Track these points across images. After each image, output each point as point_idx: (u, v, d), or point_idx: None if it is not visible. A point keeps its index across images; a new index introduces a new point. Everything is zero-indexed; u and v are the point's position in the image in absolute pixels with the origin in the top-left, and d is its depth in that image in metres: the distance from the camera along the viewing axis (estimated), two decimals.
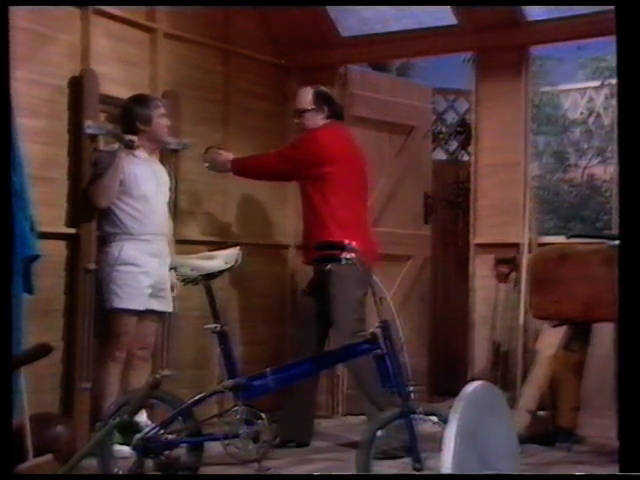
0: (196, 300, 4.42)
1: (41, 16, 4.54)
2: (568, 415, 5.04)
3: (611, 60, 9.71)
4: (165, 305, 4.82)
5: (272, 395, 4.18)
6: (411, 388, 3.74)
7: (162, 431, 3.85)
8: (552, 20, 5.65)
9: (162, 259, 4.74)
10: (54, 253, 4.55)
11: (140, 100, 4.83)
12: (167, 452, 3.85)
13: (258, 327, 5.98)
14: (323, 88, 5.22)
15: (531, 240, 5.62)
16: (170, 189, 4.99)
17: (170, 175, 5.04)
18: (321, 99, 5.13)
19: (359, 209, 5.12)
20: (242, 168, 5.30)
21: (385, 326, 3.79)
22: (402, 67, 9.58)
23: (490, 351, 5.68)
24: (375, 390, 4.17)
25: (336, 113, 5.19)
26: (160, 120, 4.82)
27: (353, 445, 4.17)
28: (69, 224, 4.70)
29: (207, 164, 5.34)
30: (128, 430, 3.82)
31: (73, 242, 4.70)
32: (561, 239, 5.55)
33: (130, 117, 4.77)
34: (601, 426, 4.91)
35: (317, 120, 5.11)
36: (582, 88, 11.19)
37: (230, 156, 5.31)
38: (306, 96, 5.14)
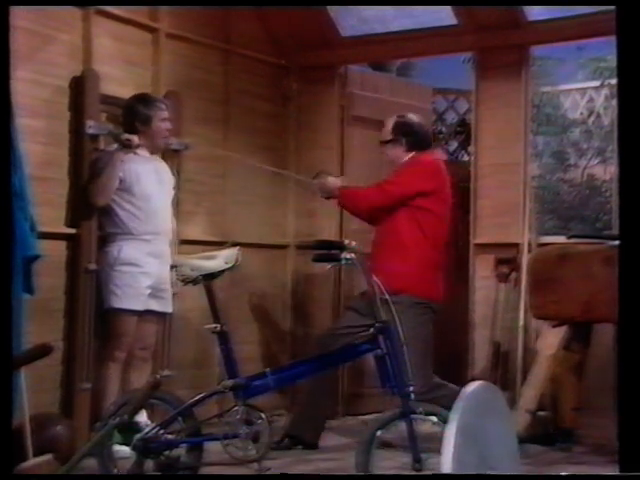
0: (196, 300, 4.41)
1: (42, 16, 4.55)
2: (568, 415, 5.04)
3: (611, 60, 9.69)
4: (165, 305, 4.82)
5: (273, 395, 4.18)
6: (411, 388, 3.74)
7: (162, 431, 3.84)
8: (552, 20, 5.65)
9: (163, 259, 4.74)
10: (54, 253, 4.55)
11: (143, 100, 4.82)
12: (167, 452, 3.85)
13: (258, 327, 5.98)
14: (406, 118, 5.00)
15: (531, 240, 5.61)
16: (173, 188, 4.99)
17: (172, 174, 5.04)
18: (399, 130, 4.94)
19: (435, 248, 4.93)
20: (346, 199, 5.08)
21: (385, 326, 3.80)
22: (402, 67, 9.56)
23: (490, 351, 5.68)
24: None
25: (421, 143, 4.97)
26: (160, 124, 4.80)
27: (353, 445, 4.16)
28: (69, 224, 4.70)
29: (316, 188, 5.20)
30: (128, 430, 3.82)
31: (73, 242, 4.71)
32: (561, 239, 5.55)
33: (130, 116, 4.77)
34: (601, 426, 4.91)
35: (398, 152, 4.95)
36: (582, 88, 11.18)
37: (338, 183, 5.13)
38: (387, 126, 4.99)
